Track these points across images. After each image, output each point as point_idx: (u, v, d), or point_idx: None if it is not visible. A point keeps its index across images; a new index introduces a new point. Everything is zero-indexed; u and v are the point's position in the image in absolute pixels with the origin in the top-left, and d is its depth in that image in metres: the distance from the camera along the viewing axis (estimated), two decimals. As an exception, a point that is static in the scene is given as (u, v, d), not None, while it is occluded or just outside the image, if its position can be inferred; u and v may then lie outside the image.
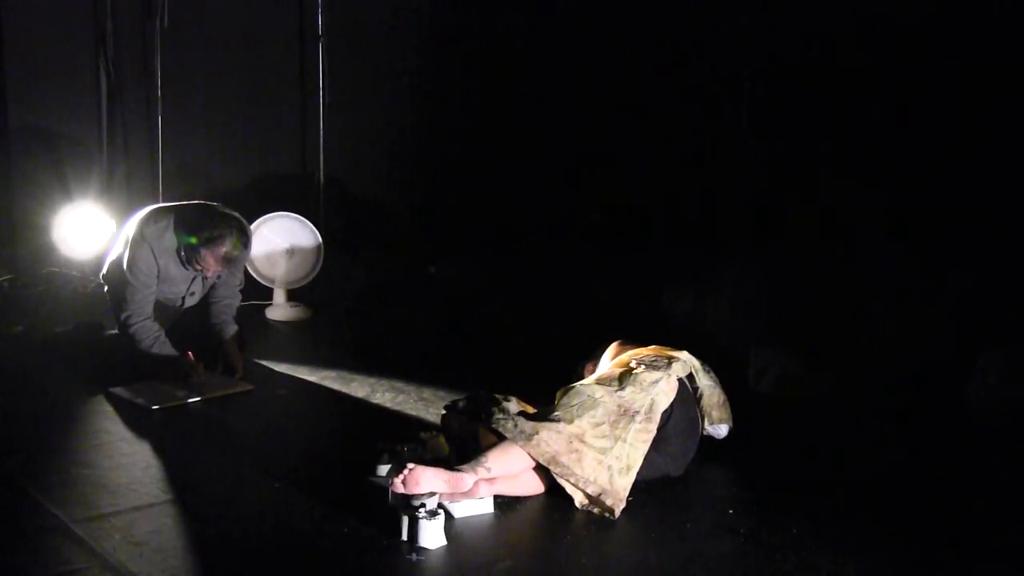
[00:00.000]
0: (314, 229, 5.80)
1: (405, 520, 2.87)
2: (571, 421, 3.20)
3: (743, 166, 4.96)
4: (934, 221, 4.25)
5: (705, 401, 3.53)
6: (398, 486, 2.95)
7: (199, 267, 4.32)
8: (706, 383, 3.56)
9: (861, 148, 4.51)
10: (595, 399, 3.28)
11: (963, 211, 4.18)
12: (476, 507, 3.08)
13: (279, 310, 5.80)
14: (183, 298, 4.54)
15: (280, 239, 5.76)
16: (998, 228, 4.11)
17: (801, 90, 4.72)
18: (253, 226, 5.57)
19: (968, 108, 4.18)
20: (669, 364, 3.46)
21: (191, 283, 4.50)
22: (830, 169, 4.63)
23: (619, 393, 3.31)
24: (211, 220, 4.29)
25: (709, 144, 5.11)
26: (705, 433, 3.56)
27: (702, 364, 3.59)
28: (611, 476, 3.13)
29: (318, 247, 5.78)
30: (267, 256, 5.73)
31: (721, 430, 3.60)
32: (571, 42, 5.70)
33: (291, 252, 5.75)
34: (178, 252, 4.34)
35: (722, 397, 3.60)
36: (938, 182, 4.25)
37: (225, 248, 4.25)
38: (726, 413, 3.60)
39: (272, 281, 5.78)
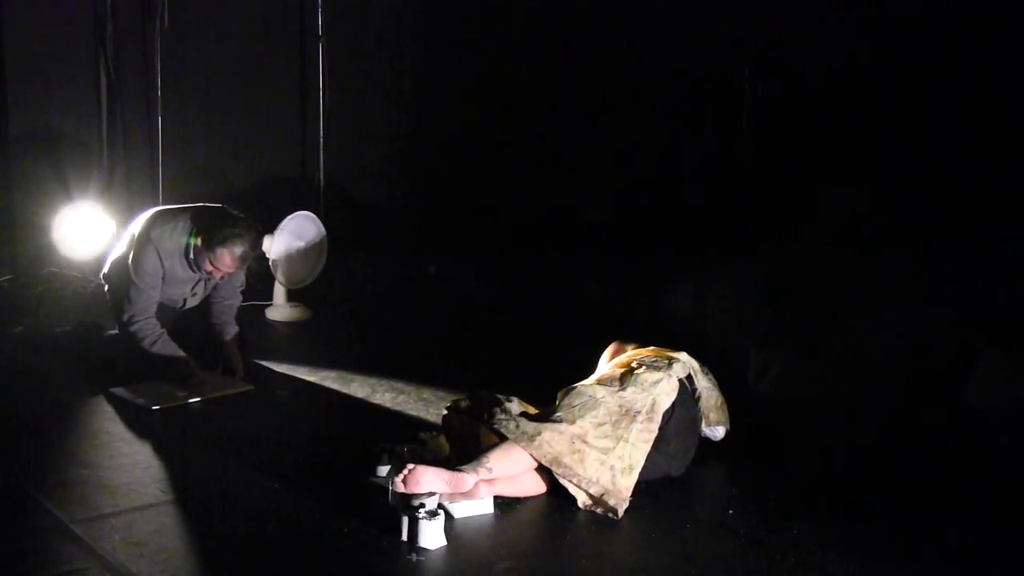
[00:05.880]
0: (318, 221, 5.74)
1: (405, 520, 2.87)
2: (573, 421, 3.20)
3: (743, 166, 4.96)
4: (935, 221, 4.25)
5: (703, 403, 3.53)
6: (398, 486, 2.95)
7: (210, 268, 4.29)
8: (704, 385, 3.55)
9: (862, 148, 4.51)
10: (597, 399, 3.28)
11: (964, 211, 4.18)
12: (476, 507, 3.07)
13: (279, 310, 5.78)
14: (184, 299, 4.54)
15: (299, 239, 5.70)
16: (998, 228, 4.11)
17: (802, 90, 4.72)
18: (280, 226, 5.55)
19: (970, 109, 4.18)
20: (670, 364, 3.46)
21: (195, 285, 4.49)
22: (830, 169, 4.63)
23: (621, 393, 3.31)
24: (228, 220, 4.27)
25: (709, 143, 5.11)
26: (702, 435, 3.56)
27: (701, 366, 3.58)
28: (614, 476, 3.13)
29: (322, 241, 5.71)
30: (288, 257, 5.67)
31: (718, 432, 3.60)
32: (571, 41, 5.69)
33: (308, 250, 5.70)
34: (185, 254, 4.32)
35: (720, 399, 3.60)
36: (939, 182, 4.25)
37: (243, 247, 4.24)
38: (723, 416, 3.60)
39: (298, 282, 5.70)
